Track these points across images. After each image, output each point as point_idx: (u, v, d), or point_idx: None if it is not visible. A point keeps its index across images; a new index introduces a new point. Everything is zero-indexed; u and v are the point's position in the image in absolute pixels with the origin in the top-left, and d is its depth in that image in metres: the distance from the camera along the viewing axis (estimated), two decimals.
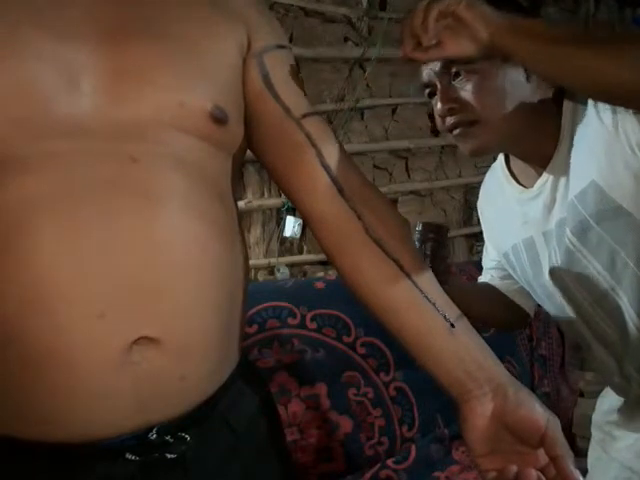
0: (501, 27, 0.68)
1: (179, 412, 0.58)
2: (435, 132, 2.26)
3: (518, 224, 0.97)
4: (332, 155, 0.68)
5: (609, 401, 1.03)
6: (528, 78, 0.86)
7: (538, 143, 0.88)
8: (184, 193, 0.59)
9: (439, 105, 0.87)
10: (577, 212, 0.84)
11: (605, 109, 0.79)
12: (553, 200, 0.89)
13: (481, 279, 1.16)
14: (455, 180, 2.29)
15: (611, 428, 1.02)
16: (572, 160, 0.85)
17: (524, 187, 0.94)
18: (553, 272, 0.92)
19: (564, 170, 0.86)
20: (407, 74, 2.20)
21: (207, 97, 0.62)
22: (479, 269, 1.77)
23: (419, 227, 1.01)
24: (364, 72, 2.09)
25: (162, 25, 0.64)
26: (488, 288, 1.11)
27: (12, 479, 0.56)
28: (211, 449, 0.62)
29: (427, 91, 0.91)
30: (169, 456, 0.58)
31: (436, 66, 0.87)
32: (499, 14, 0.69)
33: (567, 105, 0.86)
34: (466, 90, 0.84)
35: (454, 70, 0.86)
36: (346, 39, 2.10)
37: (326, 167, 0.67)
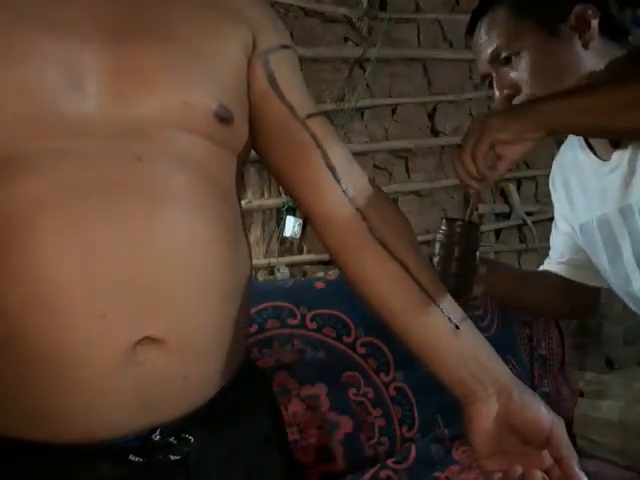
0: (542, 121, 0.68)
1: (182, 412, 0.58)
2: (435, 132, 2.26)
3: (596, 199, 0.92)
4: (337, 156, 0.68)
5: None
6: (586, 45, 0.83)
7: None
8: (188, 192, 0.59)
9: (497, 94, 0.86)
10: None
11: None
12: (632, 173, 0.84)
13: (546, 262, 1.10)
14: (455, 180, 2.29)
15: None
16: None
17: (602, 160, 0.90)
18: (636, 251, 0.87)
19: None
20: (407, 74, 2.20)
21: (212, 96, 0.62)
22: None
23: (444, 225, 0.92)
24: (364, 72, 2.09)
25: (165, 25, 0.63)
26: (545, 274, 1.06)
27: (14, 479, 0.56)
28: (214, 450, 0.61)
29: (487, 82, 0.89)
30: (173, 458, 0.58)
31: (487, 56, 0.86)
32: (524, 109, 0.68)
33: None
34: (519, 71, 0.82)
35: (504, 55, 0.84)
36: (346, 39, 2.10)
37: (331, 167, 0.67)
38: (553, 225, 1.11)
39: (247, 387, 0.69)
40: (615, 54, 0.83)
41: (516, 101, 0.84)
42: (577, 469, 0.57)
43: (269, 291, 1.57)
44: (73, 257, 0.52)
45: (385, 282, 0.65)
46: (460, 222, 0.92)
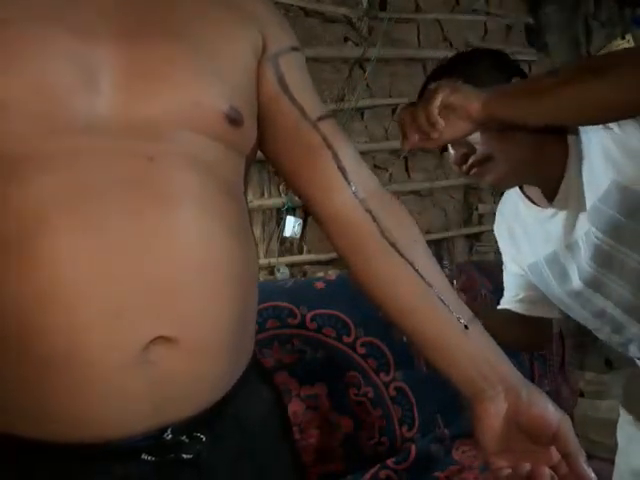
0: (487, 100, 0.75)
1: (193, 411, 0.58)
2: None
3: (540, 242, 1.00)
4: (347, 157, 0.68)
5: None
6: None
7: (549, 165, 0.92)
8: (199, 192, 0.59)
9: (453, 153, 0.95)
10: (604, 213, 0.88)
11: None
12: (574, 213, 0.92)
13: (502, 301, 1.17)
14: (455, 180, 2.30)
15: None
16: (585, 172, 0.89)
17: (541, 207, 0.98)
18: (587, 277, 0.94)
19: (579, 184, 0.90)
20: (407, 74, 2.20)
21: (223, 98, 0.63)
22: (479, 269, 1.76)
23: None
24: (364, 72, 2.09)
25: (178, 26, 0.64)
26: (504, 311, 1.14)
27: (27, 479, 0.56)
28: (224, 449, 0.62)
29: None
30: (185, 456, 0.58)
31: None
32: (480, 90, 0.76)
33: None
34: (474, 134, 0.89)
35: None
36: (346, 39, 2.10)
37: (342, 169, 0.67)
38: (503, 268, 1.19)
39: (256, 385, 0.69)
40: None
41: (471, 160, 0.93)
42: (584, 465, 0.58)
43: (269, 291, 1.57)
44: (87, 256, 0.52)
45: (395, 283, 0.66)
46: None
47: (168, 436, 0.57)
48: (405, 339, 0.97)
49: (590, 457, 0.60)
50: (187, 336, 0.56)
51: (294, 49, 0.72)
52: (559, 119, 0.78)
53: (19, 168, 0.54)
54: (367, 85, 2.11)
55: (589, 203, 0.89)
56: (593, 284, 0.94)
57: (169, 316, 0.55)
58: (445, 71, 0.97)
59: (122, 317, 0.53)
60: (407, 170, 2.24)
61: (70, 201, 0.53)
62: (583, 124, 0.85)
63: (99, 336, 0.52)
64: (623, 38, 2.52)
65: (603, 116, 0.76)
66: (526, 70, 2.78)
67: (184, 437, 0.58)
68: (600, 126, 0.85)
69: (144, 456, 0.56)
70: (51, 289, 0.51)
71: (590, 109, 0.72)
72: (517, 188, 1.03)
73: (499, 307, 1.17)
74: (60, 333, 0.52)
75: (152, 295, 0.54)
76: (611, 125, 0.83)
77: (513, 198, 1.06)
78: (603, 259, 0.91)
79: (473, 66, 0.96)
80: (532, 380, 1.85)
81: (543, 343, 1.24)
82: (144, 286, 0.54)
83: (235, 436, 0.64)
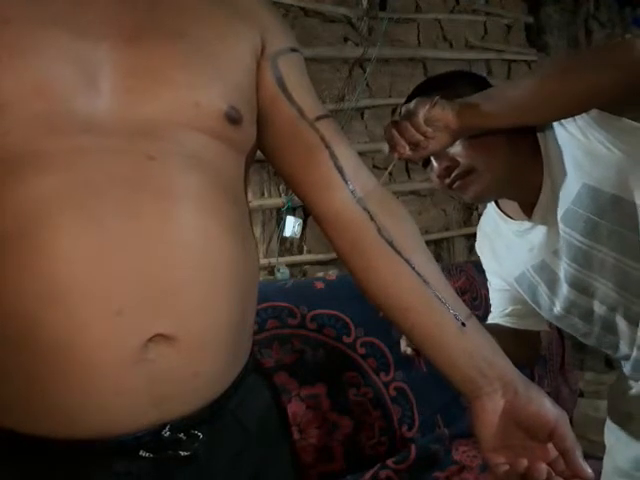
0: (460, 110, 0.79)
1: (192, 409, 0.59)
2: None
3: (524, 253, 1.01)
4: (345, 156, 0.69)
5: (624, 385, 1.05)
6: None
7: (526, 176, 0.94)
8: (199, 191, 0.59)
9: (435, 166, 0.96)
10: (579, 215, 0.89)
11: (568, 123, 0.88)
12: (555, 222, 0.93)
13: (490, 317, 1.18)
14: None
15: (631, 409, 1.04)
16: (559, 181, 0.91)
17: (519, 221, 1.00)
18: (571, 279, 0.96)
19: (556, 194, 0.92)
20: (407, 74, 2.20)
21: (223, 97, 0.63)
22: (478, 269, 1.77)
23: None
24: (364, 72, 2.09)
25: (178, 26, 0.64)
26: (494, 325, 1.14)
27: (28, 476, 0.56)
28: (223, 446, 0.62)
29: (422, 161, 1.00)
30: (182, 453, 0.58)
31: None
32: (456, 101, 0.80)
33: (540, 136, 0.94)
34: (456, 147, 0.92)
35: None
36: (346, 39, 2.10)
37: (339, 168, 0.68)
38: (488, 284, 1.21)
39: (254, 384, 0.70)
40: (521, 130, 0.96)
41: (455, 172, 0.95)
42: (581, 460, 0.59)
43: (269, 291, 1.57)
44: (88, 254, 0.52)
45: (393, 281, 0.67)
46: None
47: (166, 433, 0.57)
48: (407, 352, 0.99)
49: (590, 457, 0.60)
50: (186, 334, 0.56)
51: (293, 50, 0.73)
52: (529, 116, 0.82)
53: (19, 167, 0.54)
54: (367, 85, 2.11)
55: (564, 207, 0.91)
56: (577, 285, 0.95)
57: (168, 314, 0.55)
58: (423, 90, 0.98)
59: (121, 315, 0.53)
60: (407, 170, 2.24)
61: (70, 200, 0.53)
62: (549, 120, 0.89)
63: (98, 333, 0.52)
64: (623, 38, 2.52)
65: (565, 111, 0.81)
66: (526, 70, 2.77)
67: (181, 434, 0.58)
68: (565, 135, 0.88)
69: (142, 453, 0.56)
70: (51, 287, 0.52)
71: (553, 104, 0.77)
72: (493, 204, 1.05)
73: (487, 322, 1.17)
74: (60, 330, 0.52)
75: (151, 293, 0.54)
76: (575, 134, 0.86)
77: (492, 215, 1.08)
78: (583, 259, 0.93)
79: (451, 86, 0.97)
80: (532, 380, 1.84)
81: (532, 357, 1.25)
82: (143, 284, 0.54)
83: (233, 434, 0.64)
